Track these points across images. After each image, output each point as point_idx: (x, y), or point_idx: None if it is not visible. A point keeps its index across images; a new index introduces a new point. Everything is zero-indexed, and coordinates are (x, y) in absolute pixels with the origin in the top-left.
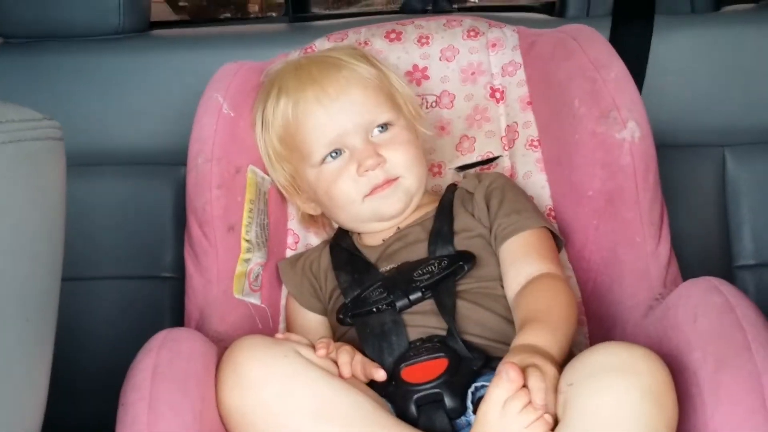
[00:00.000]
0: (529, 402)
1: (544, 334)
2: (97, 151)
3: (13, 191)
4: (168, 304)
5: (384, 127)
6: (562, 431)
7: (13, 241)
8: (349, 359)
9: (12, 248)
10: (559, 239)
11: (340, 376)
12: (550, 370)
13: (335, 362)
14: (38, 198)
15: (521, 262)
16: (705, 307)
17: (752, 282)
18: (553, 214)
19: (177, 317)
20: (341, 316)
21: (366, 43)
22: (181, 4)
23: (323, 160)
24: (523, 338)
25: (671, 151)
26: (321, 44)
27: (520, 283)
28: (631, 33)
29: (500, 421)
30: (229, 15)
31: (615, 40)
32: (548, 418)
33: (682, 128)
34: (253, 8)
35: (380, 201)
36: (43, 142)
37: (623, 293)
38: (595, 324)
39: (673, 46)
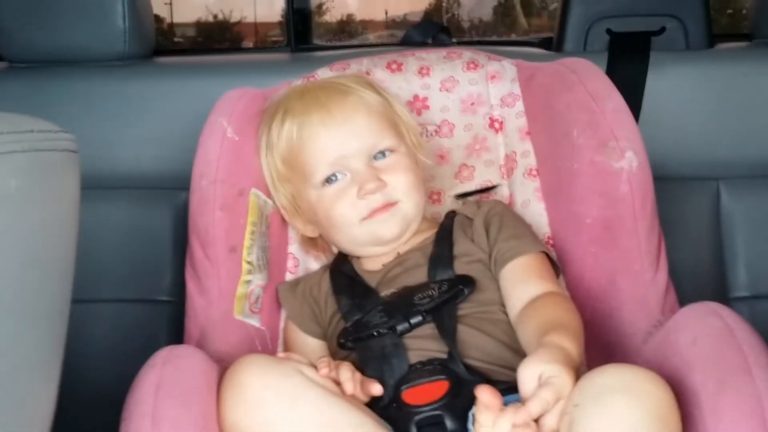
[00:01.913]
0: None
1: (571, 341)
2: (99, 175)
3: (30, 200)
4: (165, 327)
5: (386, 153)
6: None
7: (29, 250)
8: (351, 375)
9: (28, 258)
10: (556, 266)
11: (343, 393)
12: (569, 386)
13: (336, 382)
14: (54, 208)
15: (524, 284)
16: (705, 331)
17: (746, 313)
18: (551, 242)
19: (174, 340)
20: (342, 341)
21: (368, 73)
22: (176, 39)
23: (324, 182)
24: (554, 338)
25: (666, 183)
26: (323, 73)
27: (524, 302)
28: (627, 68)
29: None
30: None
31: (611, 75)
32: None
33: (677, 162)
34: (248, 45)
35: (378, 225)
36: (59, 153)
37: (622, 321)
38: (593, 351)
39: (668, 81)
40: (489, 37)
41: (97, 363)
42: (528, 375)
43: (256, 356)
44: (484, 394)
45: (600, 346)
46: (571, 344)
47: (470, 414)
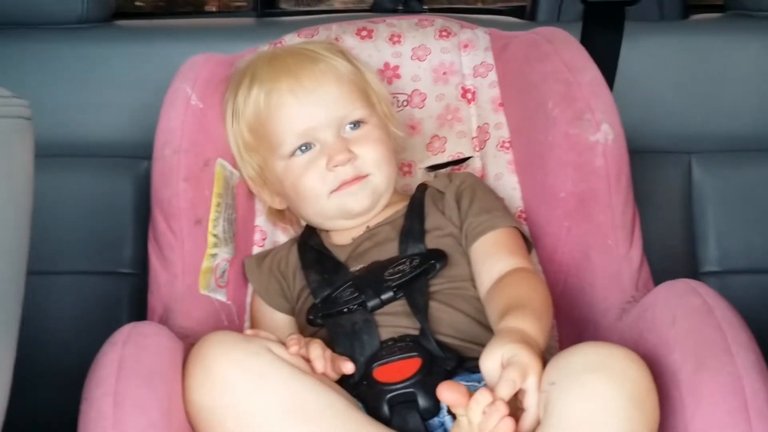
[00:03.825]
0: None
1: (530, 320)
2: (57, 143)
3: None
4: (127, 300)
5: (356, 124)
6: None
7: None
8: (322, 353)
9: None
10: (528, 241)
11: (313, 371)
12: (538, 368)
13: (306, 359)
14: (6, 179)
15: (493, 259)
16: (683, 309)
17: (717, 288)
18: (524, 216)
19: (136, 314)
20: (311, 317)
21: (337, 40)
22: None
23: (293, 153)
24: (510, 321)
25: (637, 157)
26: (291, 40)
27: (493, 279)
28: (602, 38)
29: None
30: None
31: (585, 45)
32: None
33: (648, 134)
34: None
35: (347, 197)
36: (11, 120)
37: (595, 296)
38: (566, 327)
39: (641, 52)
40: (459, 4)
41: (58, 337)
42: (489, 365)
43: (223, 333)
44: (445, 394)
45: (572, 321)
46: (531, 324)
47: None
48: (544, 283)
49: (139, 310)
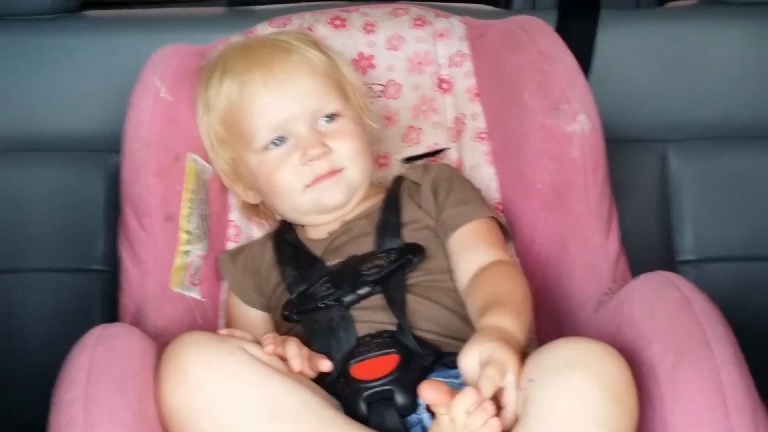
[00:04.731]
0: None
1: (509, 317)
2: (23, 137)
3: None
4: (99, 297)
5: (331, 117)
6: (521, 430)
7: None
8: (298, 351)
9: None
10: (506, 231)
11: (290, 370)
12: (516, 365)
13: (282, 358)
14: None
15: (471, 252)
16: (662, 303)
17: (693, 277)
18: (501, 207)
19: (108, 311)
20: (287, 313)
21: (309, 29)
22: None
23: (266, 147)
24: (489, 319)
25: (614, 146)
26: (263, 30)
27: (471, 271)
28: (577, 26)
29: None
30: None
31: (560, 33)
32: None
33: (624, 123)
34: None
35: (322, 192)
36: None
37: (572, 288)
38: (543, 319)
39: (616, 40)
40: None
41: (29, 335)
42: (468, 363)
43: (197, 334)
44: (427, 393)
45: (550, 313)
46: (510, 320)
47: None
48: (522, 275)
49: (111, 307)
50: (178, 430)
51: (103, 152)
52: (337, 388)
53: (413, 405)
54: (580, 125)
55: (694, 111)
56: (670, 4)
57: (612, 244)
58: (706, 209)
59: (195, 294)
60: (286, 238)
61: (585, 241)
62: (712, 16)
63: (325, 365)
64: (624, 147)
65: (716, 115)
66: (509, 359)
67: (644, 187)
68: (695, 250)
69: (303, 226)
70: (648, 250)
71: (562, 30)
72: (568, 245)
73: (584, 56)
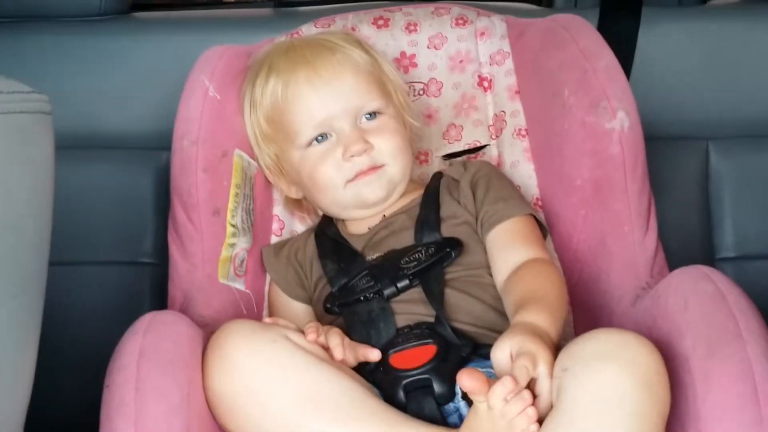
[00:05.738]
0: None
1: (543, 314)
2: (77, 135)
3: (1, 164)
4: (148, 290)
5: (373, 114)
6: (555, 417)
7: (1, 216)
8: (341, 341)
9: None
10: (544, 228)
11: (332, 358)
12: (548, 356)
13: (324, 347)
14: (27, 172)
15: (509, 249)
16: (696, 295)
17: (733, 274)
18: (540, 204)
19: (157, 303)
20: (328, 306)
21: (353, 29)
22: None
23: (309, 143)
24: (523, 316)
25: (655, 143)
26: (308, 30)
27: (509, 269)
28: (619, 24)
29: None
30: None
31: (602, 32)
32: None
33: (666, 121)
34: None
35: (363, 187)
36: (32, 115)
37: (610, 283)
38: (581, 314)
39: (659, 38)
40: None
41: (81, 326)
42: (500, 356)
43: (242, 322)
44: (465, 381)
45: (588, 308)
46: (543, 317)
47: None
48: (559, 273)
49: (160, 300)
50: (223, 415)
51: (152, 150)
52: (376, 377)
53: (451, 394)
54: (619, 122)
55: (734, 108)
56: (712, 2)
57: (650, 240)
58: (747, 207)
59: (240, 285)
60: (327, 233)
61: (624, 237)
62: (753, 14)
63: (374, 354)
64: (665, 144)
65: (757, 113)
66: (540, 351)
67: (685, 185)
68: (735, 248)
69: (344, 221)
70: (688, 247)
71: (603, 28)
72: (607, 241)
73: (626, 54)
